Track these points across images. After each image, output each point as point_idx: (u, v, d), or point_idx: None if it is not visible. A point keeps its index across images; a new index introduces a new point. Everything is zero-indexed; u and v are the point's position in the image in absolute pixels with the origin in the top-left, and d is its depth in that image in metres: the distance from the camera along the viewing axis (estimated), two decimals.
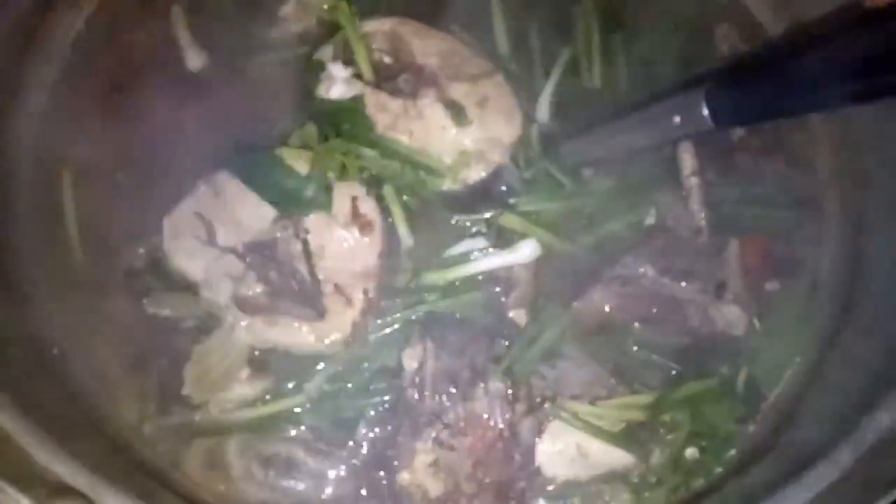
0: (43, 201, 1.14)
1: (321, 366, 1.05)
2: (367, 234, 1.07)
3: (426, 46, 1.17)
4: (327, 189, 1.07)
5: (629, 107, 1.10)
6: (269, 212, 1.08)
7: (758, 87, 0.86)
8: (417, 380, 1.01)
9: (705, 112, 0.90)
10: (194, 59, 1.23)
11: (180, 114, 1.15)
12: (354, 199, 1.08)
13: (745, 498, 0.85)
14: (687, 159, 1.14)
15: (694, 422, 1.03)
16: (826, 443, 0.86)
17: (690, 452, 1.04)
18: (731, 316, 1.09)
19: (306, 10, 1.24)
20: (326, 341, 1.03)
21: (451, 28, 1.22)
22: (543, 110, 1.19)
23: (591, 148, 1.11)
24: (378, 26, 1.18)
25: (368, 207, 1.08)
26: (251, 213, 1.08)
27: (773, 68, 0.82)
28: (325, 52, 1.16)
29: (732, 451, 1.05)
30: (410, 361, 1.02)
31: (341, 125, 1.10)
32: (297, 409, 1.04)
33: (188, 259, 1.05)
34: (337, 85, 1.12)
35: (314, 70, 1.15)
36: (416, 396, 1.00)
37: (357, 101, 1.11)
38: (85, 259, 1.11)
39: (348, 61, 1.15)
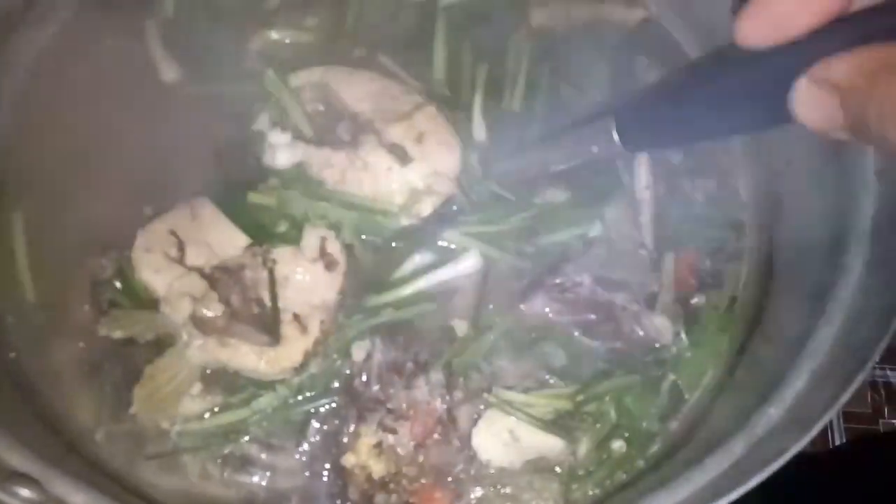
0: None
1: (267, 392, 1.08)
2: (332, 270, 1.13)
3: (355, 93, 1.20)
4: (298, 226, 1.14)
5: (552, 130, 1.13)
6: (241, 241, 1.13)
7: (658, 115, 0.87)
8: (364, 370, 1.09)
9: (616, 137, 0.91)
10: (169, 72, 1.25)
11: (156, 128, 1.18)
12: (324, 238, 1.14)
13: (656, 486, 0.93)
14: (643, 173, 1.20)
15: (618, 414, 1.11)
16: (726, 435, 0.94)
17: (618, 446, 1.11)
18: (660, 325, 1.17)
19: (271, 41, 1.28)
20: (277, 368, 1.07)
21: (380, 58, 1.26)
22: (479, 133, 1.23)
23: (520, 169, 1.16)
24: (306, 78, 1.22)
25: (335, 248, 1.14)
26: (224, 240, 1.12)
27: (674, 96, 0.82)
28: (262, 121, 1.20)
29: (656, 447, 1.12)
30: (359, 352, 1.10)
31: (293, 186, 1.16)
32: (248, 421, 1.07)
33: (154, 273, 1.09)
34: (281, 151, 1.17)
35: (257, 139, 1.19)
36: (363, 382, 1.08)
37: (301, 167, 1.16)
38: (46, 267, 1.13)
39: (286, 124, 1.19)
